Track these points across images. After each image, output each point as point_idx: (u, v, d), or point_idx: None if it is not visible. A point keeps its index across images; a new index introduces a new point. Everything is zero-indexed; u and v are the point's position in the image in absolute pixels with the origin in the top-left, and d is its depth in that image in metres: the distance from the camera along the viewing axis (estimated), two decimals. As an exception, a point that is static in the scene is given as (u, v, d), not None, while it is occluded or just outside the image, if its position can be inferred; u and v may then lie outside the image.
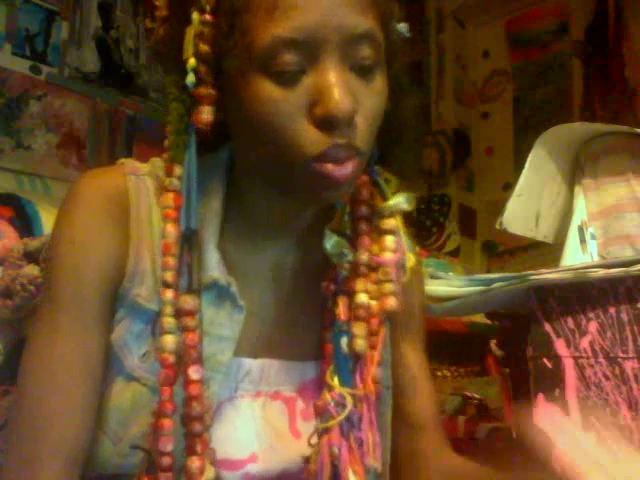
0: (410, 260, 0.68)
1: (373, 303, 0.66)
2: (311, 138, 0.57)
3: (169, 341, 0.59)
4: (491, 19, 2.77)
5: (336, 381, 0.65)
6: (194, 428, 0.58)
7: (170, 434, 0.58)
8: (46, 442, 0.59)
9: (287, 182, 0.61)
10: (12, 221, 1.26)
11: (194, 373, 0.59)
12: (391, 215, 0.68)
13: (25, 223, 1.29)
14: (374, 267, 0.67)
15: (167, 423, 0.58)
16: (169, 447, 0.58)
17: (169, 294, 0.60)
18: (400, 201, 0.68)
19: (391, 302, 0.66)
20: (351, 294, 0.67)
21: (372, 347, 0.66)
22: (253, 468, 0.65)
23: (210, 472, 0.58)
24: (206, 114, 0.60)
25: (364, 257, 0.67)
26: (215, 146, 0.69)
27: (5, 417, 0.71)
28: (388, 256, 0.67)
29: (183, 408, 0.59)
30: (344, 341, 0.65)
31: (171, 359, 0.59)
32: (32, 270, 0.77)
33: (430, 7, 2.73)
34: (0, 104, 1.60)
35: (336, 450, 0.62)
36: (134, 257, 0.63)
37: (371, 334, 0.66)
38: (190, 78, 0.60)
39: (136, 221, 0.64)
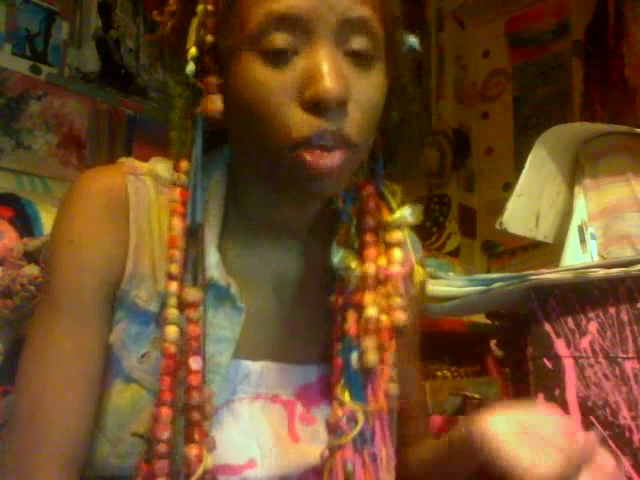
0: (418, 274, 0.67)
1: (383, 317, 0.64)
2: (299, 121, 0.56)
3: (172, 331, 0.59)
4: (491, 19, 2.77)
5: (347, 396, 0.63)
6: (193, 417, 0.58)
7: (167, 422, 0.58)
8: (43, 444, 0.59)
9: (273, 170, 0.60)
10: (12, 221, 1.26)
11: (194, 363, 0.59)
12: (398, 228, 0.67)
13: (25, 223, 1.29)
14: (382, 280, 0.65)
15: (165, 411, 0.58)
16: (165, 435, 0.58)
17: (174, 286, 0.60)
18: (406, 214, 0.67)
19: (400, 316, 0.64)
20: (359, 308, 0.65)
21: (382, 361, 0.64)
22: (251, 474, 0.65)
23: (209, 460, 0.58)
24: (216, 102, 0.60)
25: (371, 270, 0.65)
26: (215, 145, 0.69)
27: (5, 417, 0.71)
28: (396, 269, 0.65)
29: (183, 398, 0.59)
30: (354, 356, 0.64)
31: (172, 349, 0.59)
32: (32, 270, 0.77)
33: (430, 7, 2.72)
34: (0, 104, 1.59)
35: (350, 466, 0.61)
36: (133, 258, 0.63)
37: (381, 348, 0.64)
38: (190, 67, 0.60)
39: (135, 222, 0.64)
